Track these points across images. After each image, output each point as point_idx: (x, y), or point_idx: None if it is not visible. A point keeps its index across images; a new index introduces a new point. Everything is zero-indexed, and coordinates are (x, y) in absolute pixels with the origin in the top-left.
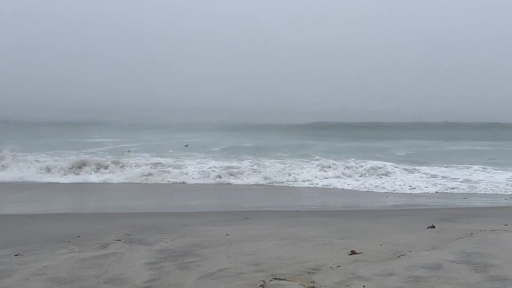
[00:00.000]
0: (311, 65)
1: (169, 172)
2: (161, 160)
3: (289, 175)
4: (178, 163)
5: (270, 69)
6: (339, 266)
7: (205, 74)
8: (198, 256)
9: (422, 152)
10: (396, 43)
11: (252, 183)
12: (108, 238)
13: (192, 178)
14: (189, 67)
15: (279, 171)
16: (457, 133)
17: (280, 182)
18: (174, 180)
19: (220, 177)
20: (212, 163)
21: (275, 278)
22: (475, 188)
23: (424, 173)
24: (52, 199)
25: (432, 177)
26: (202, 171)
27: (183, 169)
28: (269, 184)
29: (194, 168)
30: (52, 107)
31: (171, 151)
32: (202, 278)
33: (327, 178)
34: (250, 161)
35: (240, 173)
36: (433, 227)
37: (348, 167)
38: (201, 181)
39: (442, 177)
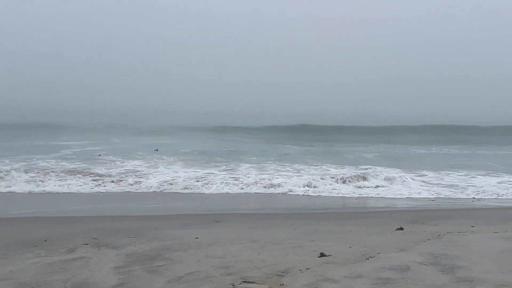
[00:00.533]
0: (311, 65)
1: (135, 183)
2: (130, 165)
3: (265, 186)
4: (147, 170)
5: (270, 69)
6: (308, 269)
7: (205, 74)
8: (167, 260)
9: (399, 157)
10: (396, 43)
11: (224, 192)
12: (75, 242)
13: (158, 188)
14: (189, 67)
15: (255, 182)
16: (443, 137)
17: (254, 186)
18: (141, 191)
19: (189, 188)
20: (183, 171)
21: (245, 281)
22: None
23: (401, 178)
24: (17, 204)
25: (411, 180)
26: (170, 179)
27: (150, 179)
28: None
29: (164, 176)
30: (39, 109)
31: (140, 152)
32: (171, 282)
33: (300, 184)
34: (223, 166)
35: (211, 184)
36: (401, 229)
37: (320, 173)
38: (170, 189)
39: (421, 181)
